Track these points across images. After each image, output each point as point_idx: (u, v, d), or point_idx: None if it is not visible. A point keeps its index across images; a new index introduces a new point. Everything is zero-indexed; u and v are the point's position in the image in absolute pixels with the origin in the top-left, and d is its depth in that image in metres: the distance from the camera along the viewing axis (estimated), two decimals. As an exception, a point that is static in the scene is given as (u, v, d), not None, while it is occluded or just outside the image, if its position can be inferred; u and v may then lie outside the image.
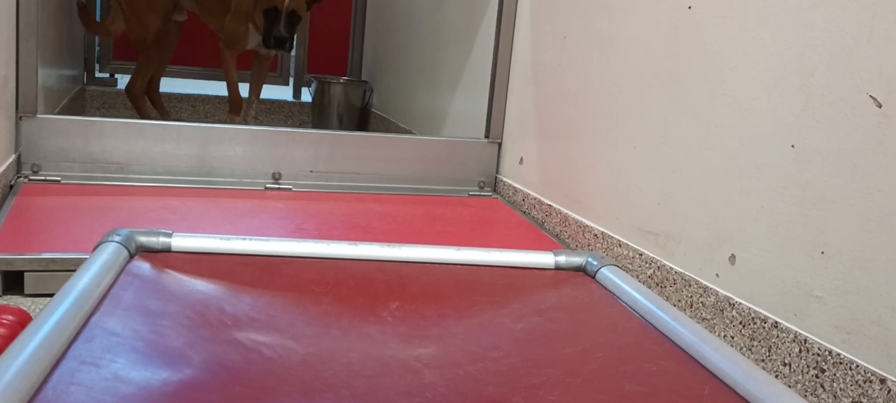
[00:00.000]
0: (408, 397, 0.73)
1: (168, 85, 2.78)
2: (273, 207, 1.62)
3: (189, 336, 0.80)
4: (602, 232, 1.48)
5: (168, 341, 0.78)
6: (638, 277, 1.35)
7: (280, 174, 1.77)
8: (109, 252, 0.95)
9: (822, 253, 0.99)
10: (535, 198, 1.75)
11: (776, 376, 1.04)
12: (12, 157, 1.56)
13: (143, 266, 0.98)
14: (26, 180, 1.59)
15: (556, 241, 1.58)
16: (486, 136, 1.94)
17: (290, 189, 1.77)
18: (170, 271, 0.98)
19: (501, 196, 1.91)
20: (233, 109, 2.46)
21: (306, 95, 3.25)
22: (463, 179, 1.92)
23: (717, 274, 1.18)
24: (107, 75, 3.09)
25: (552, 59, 1.70)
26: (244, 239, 1.09)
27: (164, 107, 2.79)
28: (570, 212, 1.60)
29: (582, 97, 1.57)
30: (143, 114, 2.56)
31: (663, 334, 0.93)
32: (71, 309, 0.77)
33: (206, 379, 0.71)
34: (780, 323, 1.05)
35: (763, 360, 1.07)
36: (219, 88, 3.01)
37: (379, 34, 3.17)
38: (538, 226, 1.68)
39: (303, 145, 1.78)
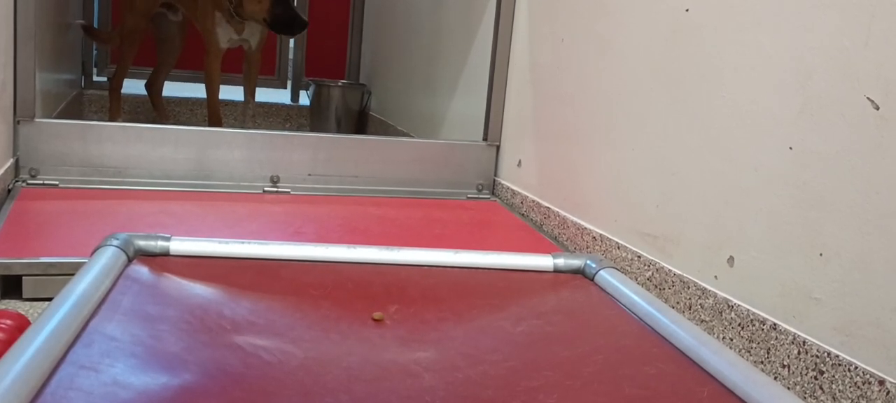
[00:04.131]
0: (407, 400, 0.73)
1: (167, 88, 2.78)
2: (271, 211, 1.62)
3: (188, 340, 0.80)
4: (601, 235, 1.48)
5: (167, 345, 0.78)
6: (637, 279, 1.35)
7: (278, 177, 1.77)
8: (108, 256, 0.95)
9: (821, 254, 0.99)
10: (533, 201, 1.75)
11: (775, 378, 1.04)
12: (10, 161, 1.56)
13: (141, 270, 0.97)
14: (24, 184, 1.59)
15: (554, 244, 1.58)
16: (485, 139, 1.94)
17: (288, 192, 1.77)
18: (168, 275, 0.98)
19: (500, 198, 1.91)
20: (213, 123, 2.40)
21: (304, 99, 3.25)
22: (461, 182, 1.92)
23: (715, 276, 1.18)
24: (105, 79, 3.08)
25: (550, 62, 1.70)
26: (243, 242, 1.09)
27: (165, 110, 2.78)
28: (568, 215, 1.60)
29: (580, 99, 1.57)
30: (112, 110, 2.55)
31: (662, 336, 0.93)
32: (69, 313, 0.77)
33: (205, 384, 0.71)
34: (779, 325, 1.05)
35: (762, 362, 1.07)
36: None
37: (377, 37, 3.17)
38: (537, 229, 1.68)
39: (301, 148, 1.78)
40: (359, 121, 3.07)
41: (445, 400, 0.74)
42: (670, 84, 1.30)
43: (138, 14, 2.43)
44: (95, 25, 2.94)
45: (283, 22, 2.28)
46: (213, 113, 2.39)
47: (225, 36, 2.32)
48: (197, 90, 3.10)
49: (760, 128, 1.10)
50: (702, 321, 1.19)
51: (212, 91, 2.37)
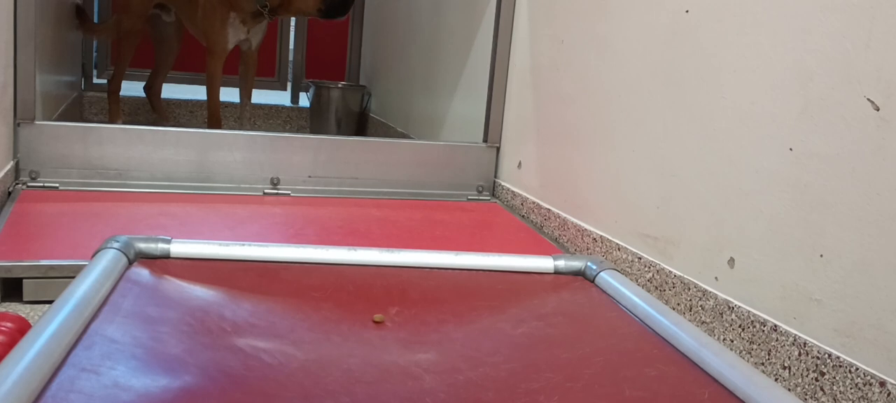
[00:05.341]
0: (407, 402, 0.73)
1: (166, 90, 2.78)
2: (272, 213, 1.62)
3: (188, 342, 0.80)
4: (601, 236, 1.48)
5: (167, 348, 0.78)
6: (637, 281, 1.35)
7: (278, 179, 1.77)
8: (108, 258, 0.95)
9: (821, 256, 0.99)
10: (533, 202, 1.75)
11: (776, 379, 1.04)
12: (10, 164, 1.56)
13: (142, 272, 0.97)
14: (24, 186, 1.59)
15: (555, 246, 1.58)
16: (485, 141, 1.94)
17: (288, 194, 1.77)
18: (169, 277, 0.98)
19: (500, 200, 1.91)
20: (212, 125, 2.39)
21: (304, 100, 3.25)
22: (461, 184, 1.92)
23: (716, 278, 1.18)
24: (105, 81, 3.09)
25: (550, 63, 1.70)
26: (243, 244, 1.09)
27: (164, 112, 2.78)
28: (568, 216, 1.60)
29: (580, 100, 1.58)
30: (111, 113, 2.55)
31: (663, 338, 0.93)
32: (70, 315, 0.77)
33: (205, 386, 0.71)
34: (780, 327, 1.05)
35: (763, 364, 1.07)
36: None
37: (377, 38, 3.18)
38: (537, 231, 1.68)
39: (301, 150, 1.78)
40: (359, 123, 3.08)
41: (446, 402, 0.74)
42: (670, 85, 1.30)
43: (134, 15, 2.42)
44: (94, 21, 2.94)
45: (336, 6, 2.29)
46: (213, 114, 2.38)
47: (235, 37, 2.31)
48: (196, 92, 3.10)
49: (761, 129, 1.10)
50: (702, 322, 1.19)
51: (213, 93, 2.36)
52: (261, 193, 1.75)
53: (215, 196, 1.70)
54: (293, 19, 3.35)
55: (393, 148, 1.88)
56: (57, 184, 1.62)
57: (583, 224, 1.55)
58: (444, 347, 0.88)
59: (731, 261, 1.15)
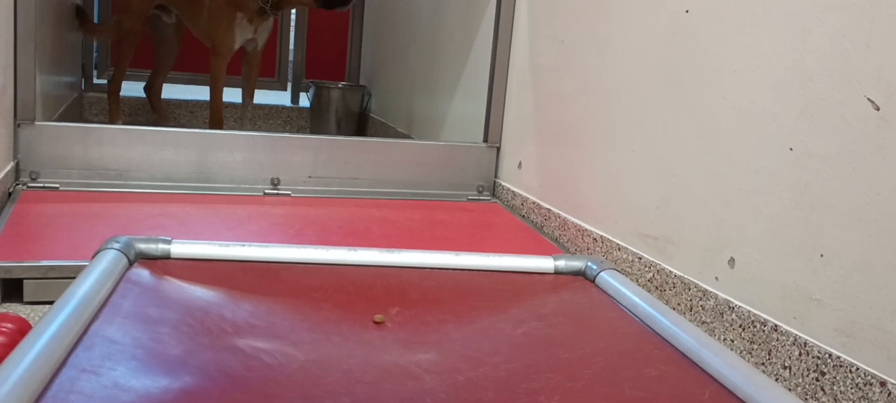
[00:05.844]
0: (408, 403, 0.73)
1: (166, 90, 2.78)
2: (272, 213, 1.62)
3: (189, 343, 0.80)
4: (601, 236, 1.48)
5: (168, 348, 0.78)
6: (637, 281, 1.35)
7: (279, 180, 1.77)
8: (109, 259, 0.95)
9: (822, 256, 0.99)
10: (533, 203, 1.75)
11: (776, 379, 1.04)
12: (11, 164, 1.56)
13: (142, 273, 0.97)
14: (25, 187, 1.59)
15: (555, 246, 1.58)
16: (485, 141, 1.94)
17: (288, 194, 1.77)
18: (169, 278, 0.98)
19: (500, 200, 1.91)
20: (214, 126, 2.38)
21: (304, 100, 3.25)
22: (462, 184, 1.92)
23: (716, 278, 1.18)
24: (105, 81, 3.09)
25: (550, 63, 1.70)
26: (243, 245, 1.09)
27: (164, 112, 2.78)
28: (569, 216, 1.60)
29: (580, 101, 1.58)
30: (111, 113, 2.55)
31: (663, 338, 0.93)
32: (70, 316, 0.77)
33: (206, 387, 0.71)
34: (780, 326, 1.05)
35: (763, 363, 1.07)
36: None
37: (377, 39, 3.18)
38: (537, 231, 1.68)
39: (301, 151, 1.78)
40: (359, 123, 3.08)
41: (446, 402, 0.74)
42: (670, 85, 1.30)
43: (134, 15, 2.42)
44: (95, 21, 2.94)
45: None
46: (216, 115, 2.38)
47: (242, 36, 2.30)
48: (196, 92, 3.10)
49: (761, 129, 1.10)
50: (703, 322, 1.19)
51: (217, 93, 2.35)
52: (261, 193, 1.75)
53: (215, 196, 1.70)
54: (293, 19, 3.35)
55: (393, 148, 1.88)
56: (57, 185, 1.62)
57: (583, 224, 1.55)
58: (445, 347, 0.88)
59: (732, 261, 1.15)
